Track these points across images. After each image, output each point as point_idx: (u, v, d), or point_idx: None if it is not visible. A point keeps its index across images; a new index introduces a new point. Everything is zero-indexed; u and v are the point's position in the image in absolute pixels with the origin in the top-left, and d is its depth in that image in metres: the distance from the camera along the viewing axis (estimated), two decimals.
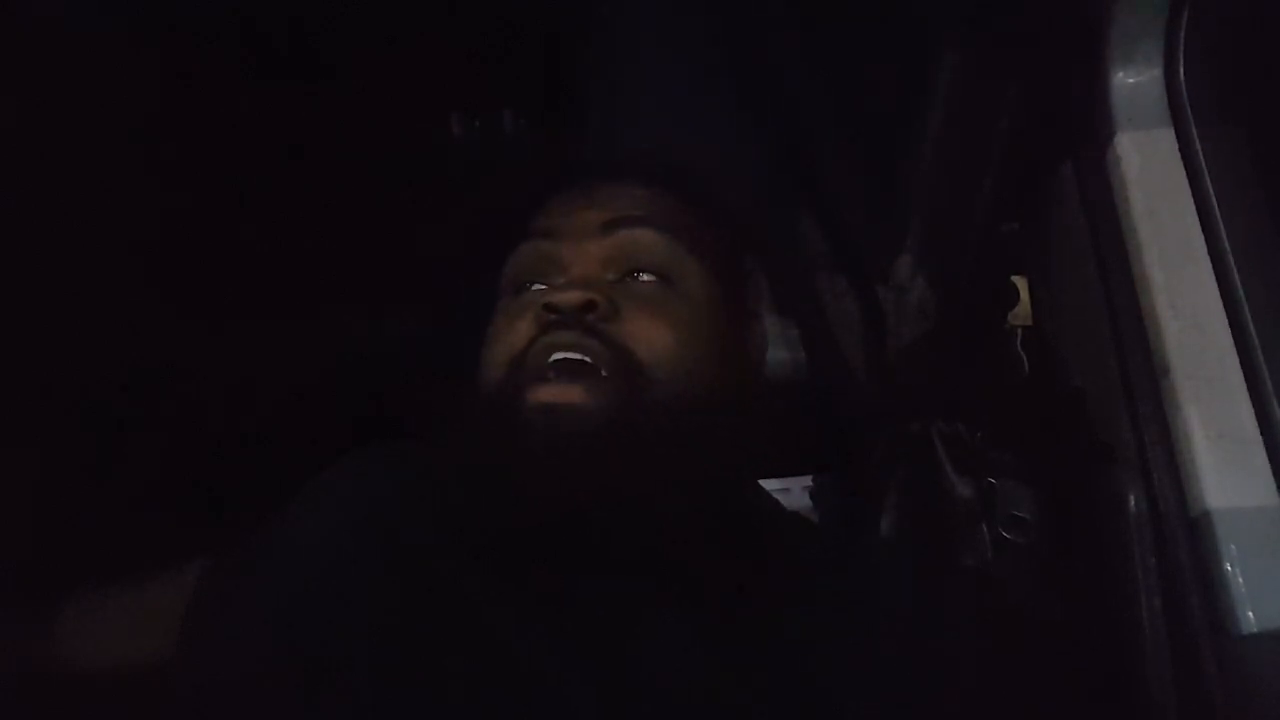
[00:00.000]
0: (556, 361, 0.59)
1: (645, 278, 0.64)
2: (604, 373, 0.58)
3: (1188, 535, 0.54)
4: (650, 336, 0.60)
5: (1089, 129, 0.64)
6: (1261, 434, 0.55)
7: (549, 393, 0.58)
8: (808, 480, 0.98)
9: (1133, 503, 0.62)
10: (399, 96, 0.88)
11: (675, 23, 0.83)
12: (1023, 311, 0.75)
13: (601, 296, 0.60)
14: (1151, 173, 0.62)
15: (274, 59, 0.85)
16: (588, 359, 0.58)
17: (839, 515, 0.95)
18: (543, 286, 0.64)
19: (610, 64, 0.85)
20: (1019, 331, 0.75)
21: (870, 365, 0.94)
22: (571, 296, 0.60)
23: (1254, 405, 0.56)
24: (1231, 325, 0.58)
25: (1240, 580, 0.52)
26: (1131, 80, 0.63)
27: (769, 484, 0.95)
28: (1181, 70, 0.62)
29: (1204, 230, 0.60)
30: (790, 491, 0.97)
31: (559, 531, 0.55)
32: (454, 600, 0.54)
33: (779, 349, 0.94)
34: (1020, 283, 0.76)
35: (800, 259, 0.97)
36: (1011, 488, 0.71)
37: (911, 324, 0.88)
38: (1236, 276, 0.59)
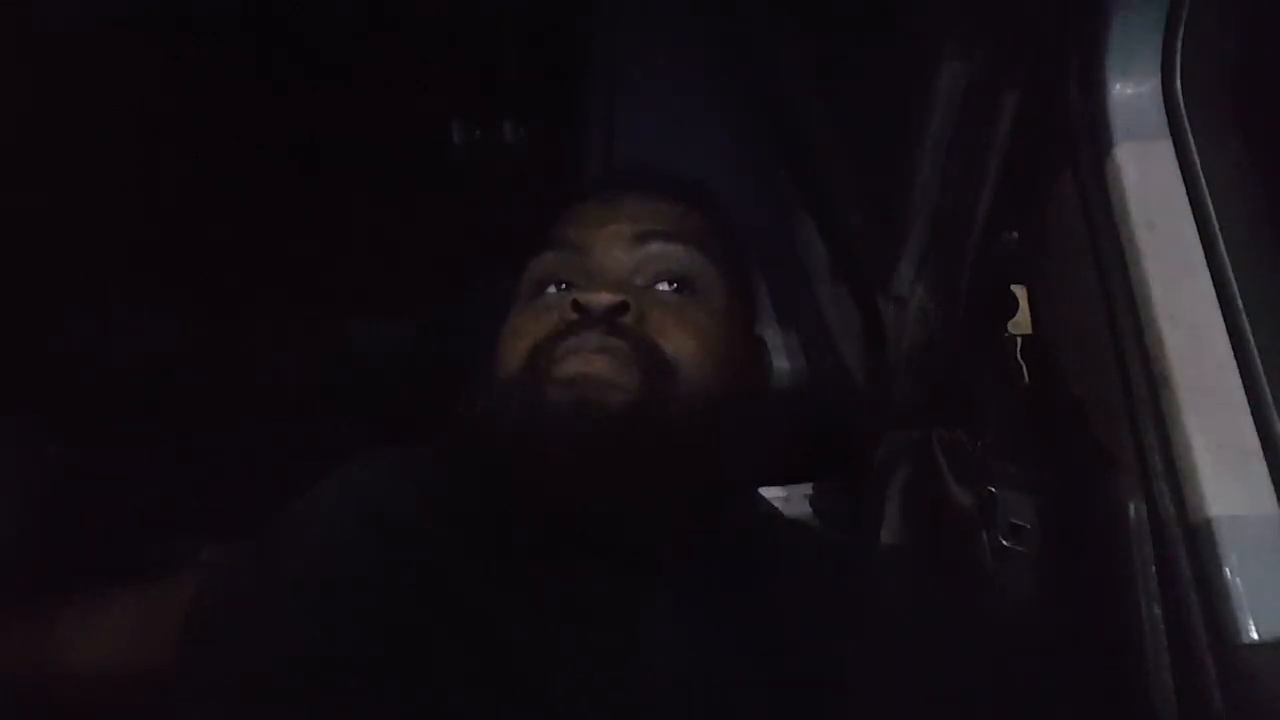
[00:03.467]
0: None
1: (670, 287, 0.65)
2: (632, 358, 0.59)
3: (1188, 544, 0.54)
4: (676, 339, 0.61)
5: (1087, 139, 0.64)
6: (1261, 443, 0.55)
7: (575, 364, 0.58)
8: (808, 489, 0.98)
9: (1133, 511, 0.61)
10: (400, 104, 0.89)
11: (675, 31, 0.84)
12: (1022, 321, 0.75)
13: (632, 299, 0.61)
14: (1150, 183, 0.62)
15: (276, 65, 0.85)
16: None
17: (839, 523, 0.94)
18: (567, 289, 0.65)
19: (610, 73, 0.86)
20: (1018, 340, 0.75)
21: (870, 374, 0.94)
22: (602, 297, 0.61)
23: (1253, 415, 0.56)
24: (1230, 335, 0.58)
25: (1241, 589, 0.52)
26: (1129, 91, 0.63)
27: (769, 492, 0.95)
28: (1179, 81, 0.62)
29: (1202, 240, 0.60)
30: (790, 500, 0.97)
31: (561, 529, 0.55)
32: (457, 600, 0.54)
33: (779, 358, 0.95)
34: (1020, 292, 0.76)
35: (800, 268, 0.98)
36: (1012, 496, 0.71)
37: (911, 333, 0.88)
38: (1235, 286, 0.59)
